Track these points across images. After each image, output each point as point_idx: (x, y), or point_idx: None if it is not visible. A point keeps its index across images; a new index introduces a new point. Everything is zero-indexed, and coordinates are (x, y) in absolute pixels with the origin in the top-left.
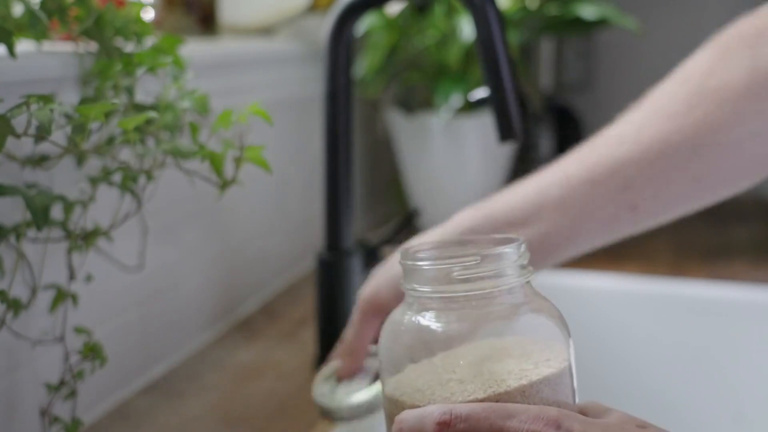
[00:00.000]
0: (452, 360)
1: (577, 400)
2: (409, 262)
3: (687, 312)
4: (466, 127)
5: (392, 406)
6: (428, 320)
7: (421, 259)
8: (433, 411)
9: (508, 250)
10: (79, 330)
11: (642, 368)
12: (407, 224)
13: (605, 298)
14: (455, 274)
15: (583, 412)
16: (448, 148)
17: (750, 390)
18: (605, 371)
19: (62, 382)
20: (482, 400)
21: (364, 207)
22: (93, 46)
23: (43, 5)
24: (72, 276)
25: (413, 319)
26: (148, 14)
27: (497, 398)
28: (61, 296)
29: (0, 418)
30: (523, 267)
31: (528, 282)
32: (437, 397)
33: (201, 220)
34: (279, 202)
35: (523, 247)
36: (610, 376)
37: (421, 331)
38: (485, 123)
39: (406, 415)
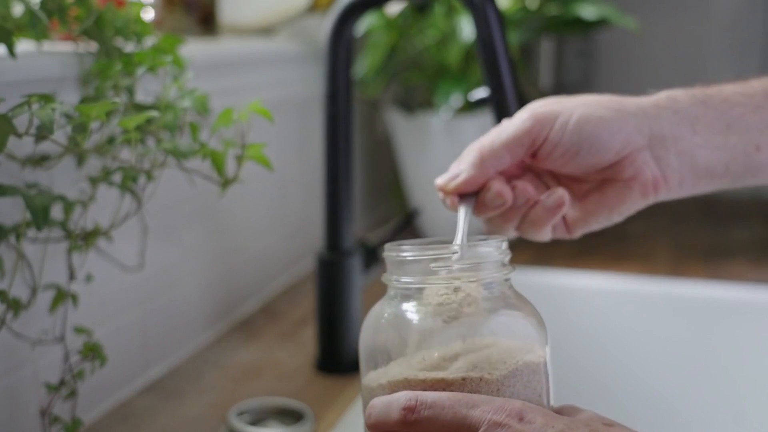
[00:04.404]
0: (428, 353)
1: (552, 402)
2: (392, 254)
3: (687, 312)
4: (466, 127)
5: (368, 395)
6: (407, 312)
7: (404, 251)
8: (400, 397)
9: (487, 246)
10: (79, 330)
11: (642, 368)
12: (407, 224)
13: (605, 298)
14: (432, 265)
15: (557, 412)
16: (448, 148)
17: (750, 390)
18: (605, 371)
19: (62, 382)
20: (449, 384)
21: (364, 207)
22: (93, 46)
23: (43, 5)
24: (72, 276)
25: (394, 311)
26: (148, 14)
27: (463, 385)
28: (61, 296)
29: (0, 418)
30: (503, 265)
31: (508, 281)
32: None
33: (201, 220)
34: (279, 202)
35: (504, 246)
36: (609, 376)
37: (401, 323)
38: (485, 123)
39: (376, 402)
